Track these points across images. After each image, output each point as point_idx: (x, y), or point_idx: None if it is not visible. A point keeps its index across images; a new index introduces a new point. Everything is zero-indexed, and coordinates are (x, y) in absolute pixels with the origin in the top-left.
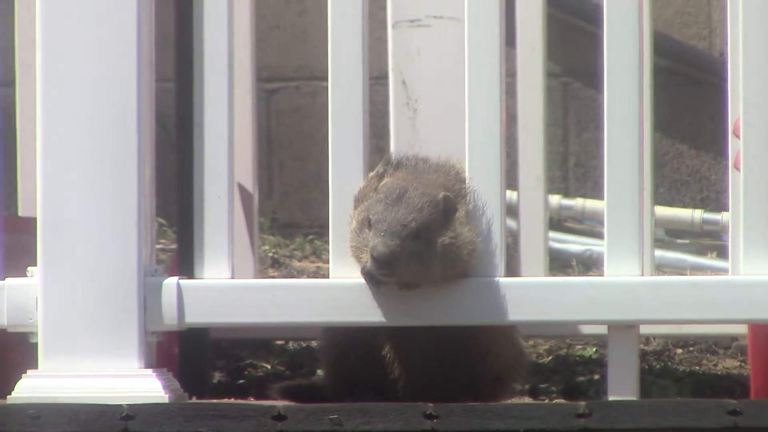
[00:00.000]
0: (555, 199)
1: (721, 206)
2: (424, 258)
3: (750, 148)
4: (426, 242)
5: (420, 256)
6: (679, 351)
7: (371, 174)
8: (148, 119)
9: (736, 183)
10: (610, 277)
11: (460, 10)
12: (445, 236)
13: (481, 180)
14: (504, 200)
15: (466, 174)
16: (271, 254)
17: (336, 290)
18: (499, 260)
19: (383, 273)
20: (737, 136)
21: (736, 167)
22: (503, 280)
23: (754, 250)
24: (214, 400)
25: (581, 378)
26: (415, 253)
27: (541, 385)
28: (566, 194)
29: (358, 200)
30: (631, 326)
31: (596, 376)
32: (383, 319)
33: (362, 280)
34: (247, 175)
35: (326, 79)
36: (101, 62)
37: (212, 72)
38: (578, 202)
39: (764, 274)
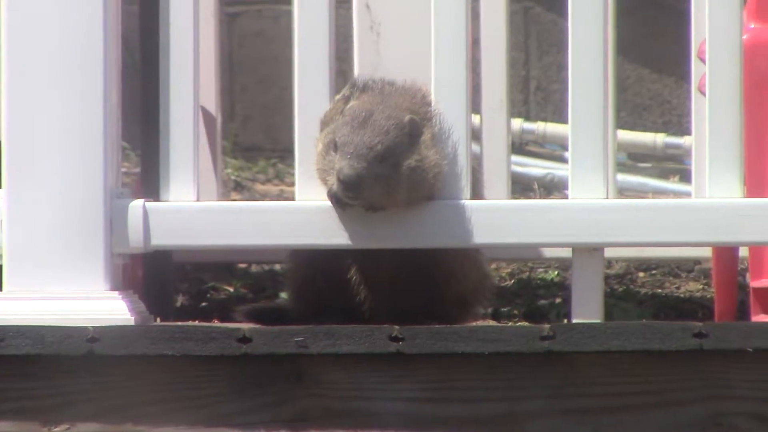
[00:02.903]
0: (517, 123)
1: (683, 130)
2: (390, 180)
3: (715, 71)
4: (392, 165)
5: (386, 178)
6: (642, 274)
7: (337, 97)
8: (114, 40)
9: (701, 106)
10: (574, 200)
11: None
12: (411, 159)
13: (447, 103)
14: (470, 123)
15: (432, 97)
16: (233, 177)
17: (302, 212)
18: (465, 183)
19: (349, 195)
20: (702, 60)
21: (701, 91)
22: (469, 202)
23: (719, 173)
24: (179, 323)
25: (543, 301)
26: (381, 176)
27: (503, 309)
28: (527, 118)
29: (324, 123)
30: (595, 249)
31: (558, 300)
32: (349, 242)
33: (328, 203)
34: (209, 98)
35: (288, 2)
36: None
37: None
38: (540, 126)
39: (728, 197)
